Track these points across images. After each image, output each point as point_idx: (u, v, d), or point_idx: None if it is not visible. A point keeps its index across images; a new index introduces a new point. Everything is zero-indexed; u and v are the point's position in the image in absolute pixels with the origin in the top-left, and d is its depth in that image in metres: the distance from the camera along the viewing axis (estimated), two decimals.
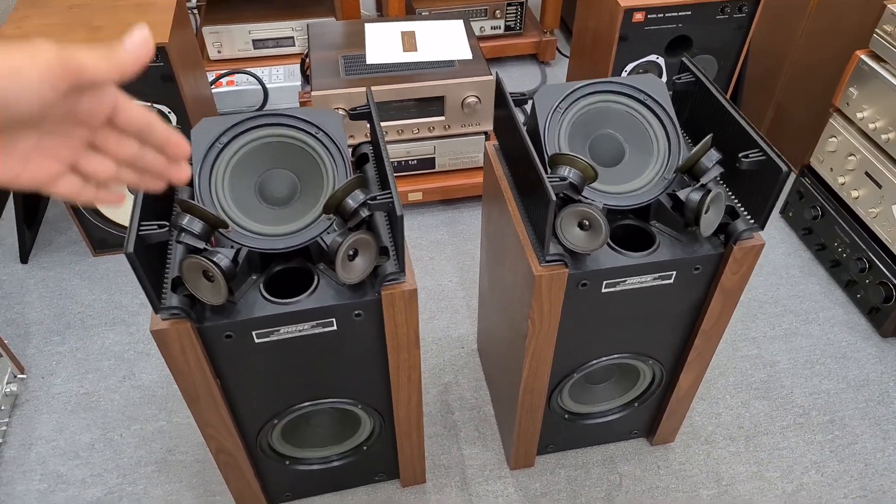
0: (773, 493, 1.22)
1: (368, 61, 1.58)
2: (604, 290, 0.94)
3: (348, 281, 0.84)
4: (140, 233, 0.76)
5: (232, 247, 0.84)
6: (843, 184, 1.51)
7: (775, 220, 1.75)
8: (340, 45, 1.64)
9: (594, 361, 1.06)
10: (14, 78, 0.35)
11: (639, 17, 1.45)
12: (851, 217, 1.50)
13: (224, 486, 1.23)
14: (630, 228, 0.97)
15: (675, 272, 0.94)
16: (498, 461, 1.27)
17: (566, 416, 1.18)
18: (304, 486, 1.19)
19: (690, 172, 0.91)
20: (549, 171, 0.89)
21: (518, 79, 2.24)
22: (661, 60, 1.55)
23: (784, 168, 0.82)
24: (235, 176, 0.89)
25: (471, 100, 1.56)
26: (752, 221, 0.90)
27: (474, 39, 1.67)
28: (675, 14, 1.47)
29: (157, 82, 1.37)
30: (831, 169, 1.53)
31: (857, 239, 1.48)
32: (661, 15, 1.47)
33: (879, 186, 1.40)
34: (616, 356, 1.07)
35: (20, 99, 0.35)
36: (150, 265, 0.80)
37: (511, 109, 0.95)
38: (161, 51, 1.33)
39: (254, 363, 0.90)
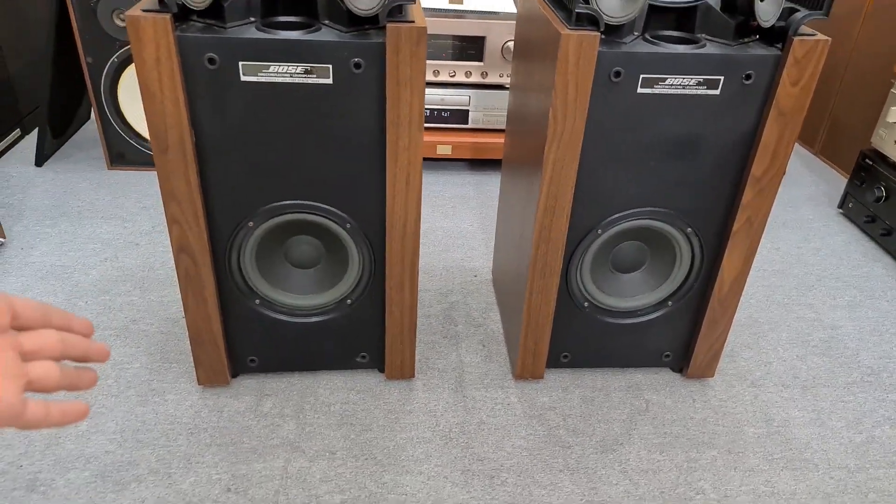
0: (836, 441, 0.98)
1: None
2: (640, 90, 0.82)
3: (355, 4, 0.75)
4: None
5: None
6: None
7: (832, 214, 1.60)
8: None
9: (622, 213, 0.92)
10: None
11: None
12: None
13: (183, 356, 1.07)
14: (675, 40, 0.87)
15: (722, 77, 0.82)
16: (502, 372, 1.08)
17: (587, 304, 1.00)
18: (274, 352, 1.01)
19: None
20: None
21: None
22: None
23: None
24: None
25: (510, 44, 1.53)
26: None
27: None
28: None
29: None
30: (895, 142, 1.41)
31: None
32: None
33: None
34: (648, 210, 0.92)
35: None
36: None
37: None
38: None
39: (237, 114, 0.80)
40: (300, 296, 0.97)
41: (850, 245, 1.48)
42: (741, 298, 1.28)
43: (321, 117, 0.81)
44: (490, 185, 1.67)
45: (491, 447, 0.95)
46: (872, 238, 1.49)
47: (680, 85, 0.82)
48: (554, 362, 1.07)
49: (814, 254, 1.44)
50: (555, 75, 0.79)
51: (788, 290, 1.32)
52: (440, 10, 1.57)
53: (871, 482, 0.92)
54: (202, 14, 0.78)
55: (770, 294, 1.30)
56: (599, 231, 0.93)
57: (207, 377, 1.00)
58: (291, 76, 0.78)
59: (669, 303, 1.02)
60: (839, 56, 1.78)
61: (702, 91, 0.83)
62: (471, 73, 1.58)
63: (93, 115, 1.71)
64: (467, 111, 1.63)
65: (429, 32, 1.52)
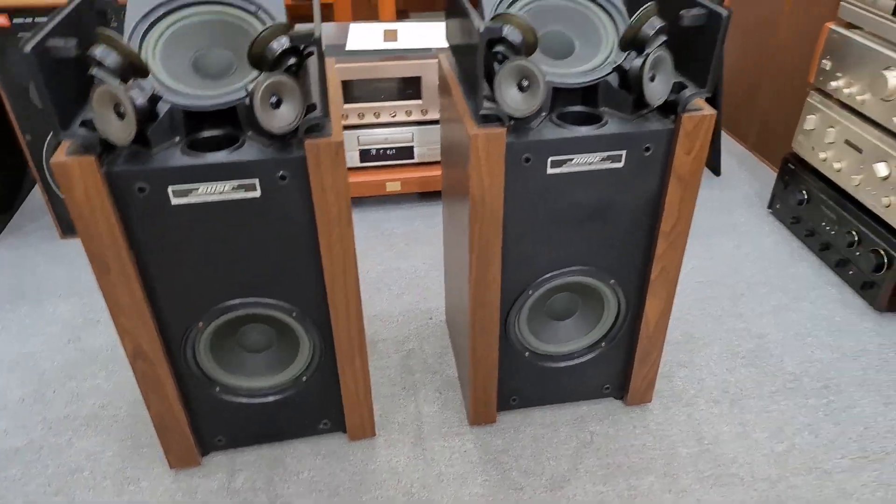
0: (760, 453, 1.08)
1: (347, 48, 1.62)
2: (550, 171, 0.89)
3: (270, 126, 0.80)
4: (46, 42, 0.73)
5: (153, 95, 0.82)
6: (825, 160, 1.46)
7: (763, 215, 1.69)
8: (326, 39, 1.69)
9: (549, 274, 0.99)
10: None
11: None
12: (837, 192, 1.44)
13: (154, 439, 1.12)
14: (580, 116, 0.93)
15: (624, 152, 0.89)
16: (458, 419, 1.16)
17: (527, 353, 1.08)
18: (239, 430, 1.07)
19: (635, 45, 0.88)
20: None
21: None
22: None
23: (724, 13, 0.80)
24: (169, 48, 0.88)
25: None
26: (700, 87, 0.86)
27: None
28: None
29: None
30: (813, 148, 1.50)
31: (844, 213, 1.41)
32: None
33: (860, 151, 1.35)
34: (573, 269, 0.99)
35: None
36: (64, 90, 0.77)
37: None
38: None
39: (172, 234, 0.85)
40: (257, 378, 1.03)
41: (778, 246, 1.57)
42: (678, 315, 1.37)
43: (254, 225, 0.86)
44: (441, 217, 1.73)
45: (450, 499, 1.02)
46: (798, 238, 1.58)
47: (586, 163, 0.89)
48: (504, 405, 1.15)
49: (745, 259, 1.53)
50: (469, 168, 0.86)
51: (721, 301, 1.41)
52: (375, 51, 1.61)
53: (790, 490, 1.02)
54: None
55: (704, 307, 1.39)
56: (531, 291, 1.00)
57: (178, 461, 1.06)
58: (221, 194, 0.83)
59: (602, 344, 1.09)
60: (764, 54, 1.86)
61: (607, 165, 0.90)
62: (411, 111, 1.63)
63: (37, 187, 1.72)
64: (412, 147, 1.68)
65: (365, 77, 1.56)
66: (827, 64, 1.42)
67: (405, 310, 1.41)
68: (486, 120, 0.84)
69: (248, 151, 0.83)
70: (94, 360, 1.29)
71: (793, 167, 1.57)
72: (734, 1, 1.94)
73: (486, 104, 0.84)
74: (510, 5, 0.96)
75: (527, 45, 0.86)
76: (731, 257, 1.54)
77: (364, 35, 1.69)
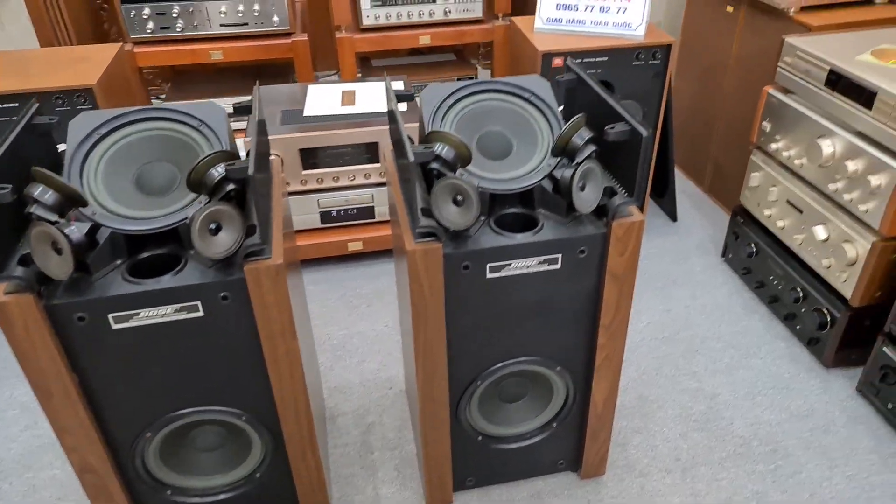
0: None
1: (305, 114, 1.64)
2: (489, 276, 0.91)
3: (209, 254, 0.81)
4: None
5: (93, 226, 0.83)
6: (769, 216, 1.50)
7: (717, 263, 1.73)
8: (283, 102, 1.71)
9: (497, 366, 1.01)
10: None
11: (557, 61, 1.52)
12: (782, 249, 1.49)
13: None
14: (518, 218, 0.96)
15: (560, 255, 0.91)
16: (416, 500, 1.17)
17: (480, 437, 1.10)
18: None
19: (566, 154, 0.91)
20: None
21: None
22: None
23: (644, 133, 0.83)
24: (112, 166, 0.90)
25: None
26: (628, 196, 0.89)
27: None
28: (593, 59, 1.54)
29: None
30: (758, 204, 1.54)
31: (789, 270, 1.46)
32: (580, 60, 1.54)
33: (801, 212, 1.40)
34: (520, 360, 1.01)
35: None
36: (0, 230, 0.78)
37: (392, 100, 0.97)
38: (88, 91, 1.39)
39: (115, 356, 0.86)
40: (210, 477, 1.04)
41: (731, 297, 1.61)
42: (634, 377, 1.40)
43: (198, 343, 0.88)
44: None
45: None
46: (750, 288, 1.62)
47: (524, 266, 0.91)
48: (460, 485, 1.17)
49: (700, 311, 1.57)
50: (409, 281, 0.88)
51: (676, 360, 1.44)
52: (333, 116, 1.62)
53: None
54: None
55: (659, 366, 1.43)
56: (479, 382, 1.02)
57: None
58: (163, 316, 0.84)
59: (553, 424, 1.12)
60: (715, 100, 1.90)
61: (544, 268, 0.92)
62: (370, 174, 1.65)
63: None
64: (373, 207, 1.70)
65: (323, 145, 1.58)
66: (767, 126, 1.47)
67: (366, 379, 1.43)
68: (423, 235, 0.86)
69: (190, 274, 0.84)
70: (52, 446, 1.29)
71: (742, 220, 1.61)
72: (686, 40, 1.98)
73: (423, 221, 0.86)
74: (451, 106, 0.99)
75: (461, 160, 0.88)
76: (686, 310, 1.58)
77: (322, 97, 1.71)
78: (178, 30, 1.93)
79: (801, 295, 1.42)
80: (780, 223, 1.46)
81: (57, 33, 1.98)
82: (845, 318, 1.31)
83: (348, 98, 1.70)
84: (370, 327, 1.56)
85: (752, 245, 1.58)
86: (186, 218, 0.85)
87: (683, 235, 1.85)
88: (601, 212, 0.92)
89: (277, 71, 2.26)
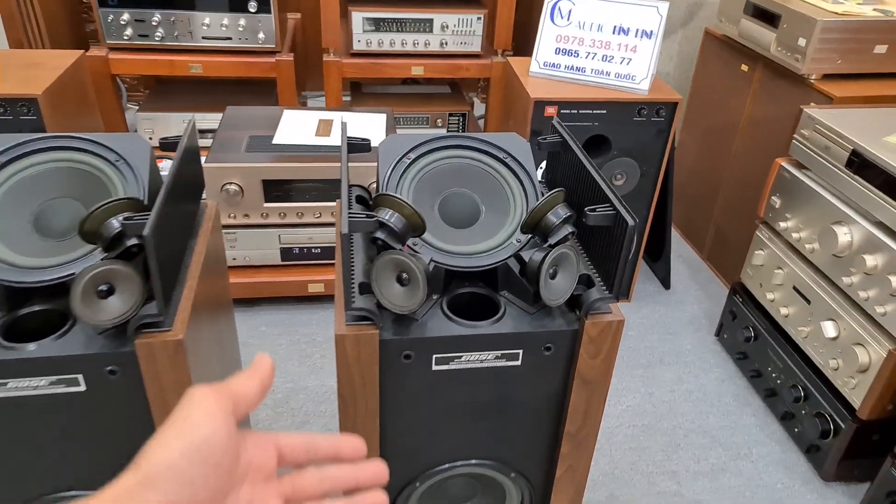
0: None
1: (274, 141, 1.51)
2: (435, 368, 0.77)
3: (94, 321, 0.67)
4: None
5: None
6: (772, 300, 1.36)
7: (710, 343, 1.58)
8: (254, 125, 1.58)
9: (441, 467, 0.86)
10: (199, 427, 0.36)
11: (551, 110, 1.39)
12: (784, 339, 1.34)
13: None
14: (477, 299, 0.81)
15: (521, 351, 0.77)
16: None
17: None
18: None
19: (538, 232, 0.77)
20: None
21: None
22: None
23: (630, 222, 0.69)
24: (8, 199, 0.76)
25: (373, 185, 1.47)
26: (607, 291, 0.74)
27: (393, 131, 1.61)
28: (590, 111, 1.41)
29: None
30: (761, 285, 1.40)
31: (790, 363, 1.31)
32: (575, 111, 1.41)
33: (808, 302, 1.25)
34: (469, 463, 0.86)
35: (215, 447, 0.36)
36: None
37: (343, 150, 0.83)
38: (32, 102, 1.26)
39: None
40: None
41: (723, 384, 1.46)
42: (606, 470, 1.25)
43: (77, 420, 0.73)
44: None
45: None
46: (745, 375, 1.48)
47: (478, 360, 0.77)
48: None
49: (686, 398, 1.42)
50: (336, 367, 0.73)
51: (654, 454, 1.29)
52: (303, 146, 1.49)
53: None
54: None
55: (636, 461, 1.27)
56: (418, 483, 0.87)
57: None
58: (35, 389, 0.70)
59: None
60: (722, 161, 1.77)
61: (502, 363, 0.78)
62: (336, 213, 1.51)
63: None
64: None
65: (288, 178, 1.44)
66: (776, 201, 1.33)
67: None
68: (357, 318, 0.72)
69: (73, 340, 0.70)
70: None
71: (741, 299, 1.47)
72: (695, 95, 1.86)
73: (358, 302, 0.71)
74: (413, 162, 0.85)
75: (413, 229, 0.74)
76: (671, 395, 1.43)
77: (296, 124, 1.58)
78: (157, 39, 1.81)
79: (802, 394, 1.27)
80: (783, 310, 1.32)
81: (28, 34, 1.86)
82: (851, 429, 1.16)
83: (324, 128, 1.57)
84: (320, 383, 1.41)
85: (751, 329, 1.43)
86: (70, 275, 0.71)
87: (676, 306, 1.70)
88: (574, 302, 0.77)
89: (266, 89, 2.14)
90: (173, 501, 0.34)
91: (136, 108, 2.10)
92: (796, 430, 1.31)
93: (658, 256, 1.78)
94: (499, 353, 0.77)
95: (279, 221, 1.50)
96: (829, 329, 1.19)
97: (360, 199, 0.92)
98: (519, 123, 1.47)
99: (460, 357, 0.76)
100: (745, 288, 1.46)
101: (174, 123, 2.00)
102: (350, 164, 1.36)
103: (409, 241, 0.78)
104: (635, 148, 1.48)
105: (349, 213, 0.70)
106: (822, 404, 1.22)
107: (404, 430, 0.82)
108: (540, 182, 0.99)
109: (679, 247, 1.95)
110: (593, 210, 0.73)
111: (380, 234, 0.73)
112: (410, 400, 0.79)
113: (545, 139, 0.90)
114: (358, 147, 0.89)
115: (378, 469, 0.43)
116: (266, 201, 1.46)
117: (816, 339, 1.23)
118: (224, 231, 1.50)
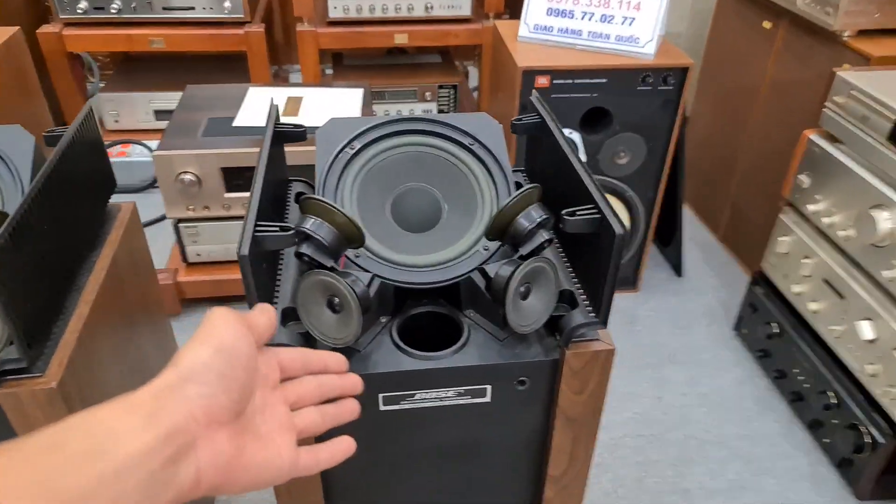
0: None
1: (234, 123, 1.35)
2: (384, 408, 0.62)
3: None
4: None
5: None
6: (798, 294, 1.20)
7: (728, 338, 1.42)
8: (215, 107, 1.42)
9: None
10: (226, 336, 0.40)
11: (543, 81, 1.22)
12: (813, 337, 1.18)
13: None
14: (436, 321, 0.66)
15: (489, 386, 0.62)
16: None
17: None
18: None
19: (507, 239, 0.61)
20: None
21: None
22: (576, 136, 1.31)
23: (618, 230, 0.53)
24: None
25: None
26: (594, 315, 0.59)
27: (368, 108, 1.45)
28: (588, 81, 1.24)
29: None
30: (785, 275, 1.23)
31: (820, 366, 1.15)
32: (571, 81, 1.23)
33: (841, 297, 1.09)
34: None
35: (241, 350, 0.41)
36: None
37: (266, 138, 0.68)
38: None
39: None
40: None
41: (742, 386, 1.31)
42: (608, 489, 1.10)
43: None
44: None
45: None
46: (767, 376, 1.32)
47: (436, 399, 0.62)
48: None
49: (701, 402, 1.27)
50: None
51: (664, 469, 1.14)
52: (263, 128, 1.33)
53: None
54: None
55: (642, 477, 1.13)
56: None
57: None
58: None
59: None
60: (738, 138, 1.59)
61: (467, 401, 0.63)
62: None
63: None
64: None
65: (248, 165, 1.29)
66: (805, 180, 1.16)
67: None
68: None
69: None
70: None
71: (762, 290, 1.31)
72: (710, 57, 1.67)
73: (277, 336, 0.57)
74: (358, 152, 0.69)
75: (348, 240, 0.59)
76: (683, 399, 1.28)
77: (262, 103, 1.42)
78: (113, 11, 1.65)
79: (833, 401, 1.11)
80: (812, 305, 1.16)
81: None
82: (891, 445, 1.00)
83: (292, 107, 1.41)
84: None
85: (775, 325, 1.27)
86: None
87: (689, 296, 1.54)
88: (555, 325, 0.62)
89: (242, 64, 1.97)
90: (212, 393, 0.38)
91: (96, 86, 1.95)
92: (826, 440, 1.15)
93: (669, 241, 1.62)
94: (461, 389, 0.62)
95: (243, 213, 1.35)
96: (866, 330, 1.02)
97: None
98: (507, 97, 1.30)
99: (413, 395, 0.62)
100: (766, 278, 1.30)
101: (140, 106, 1.85)
102: (299, 148, 1.20)
103: (351, 253, 0.63)
104: (640, 121, 1.30)
105: (257, 226, 0.55)
106: (857, 415, 1.06)
107: (355, 476, 0.68)
108: (524, 176, 0.83)
109: (692, 228, 1.77)
110: (572, 214, 0.57)
111: (305, 249, 0.57)
112: (362, 438, 0.64)
113: (520, 120, 0.74)
114: (290, 135, 0.73)
115: (356, 380, 0.51)
116: (227, 191, 1.32)
117: (851, 340, 1.07)
118: (184, 225, 1.36)
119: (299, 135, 0.73)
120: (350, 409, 0.50)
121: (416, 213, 0.69)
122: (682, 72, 1.25)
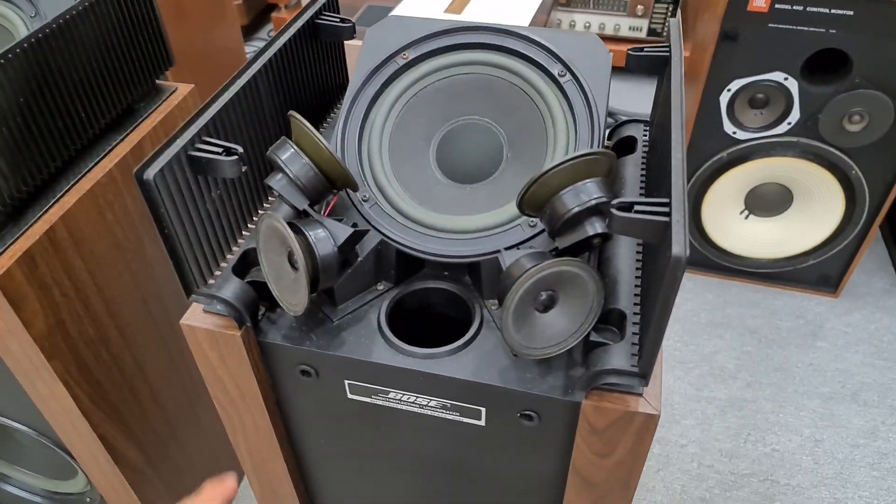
0: None
1: (393, 13, 1.23)
2: (351, 396, 0.49)
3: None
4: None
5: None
6: None
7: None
8: None
9: None
10: None
11: (759, 3, 0.91)
12: None
13: None
14: (445, 300, 0.51)
15: (484, 409, 0.46)
16: None
17: None
18: None
19: (545, 219, 0.43)
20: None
21: (636, 100, 1.71)
22: (792, 84, 0.98)
23: (677, 251, 0.32)
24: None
25: None
26: (638, 355, 0.39)
27: (544, 14, 1.23)
28: (825, 11, 0.90)
29: None
30: None
31: None
32: (801, 8, 0.91)
33: None
34: None
35: None
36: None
37: (293, 28, 0.55)
38: None
39: None
40: None
41: None
42: None
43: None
44: None
45: None
46: None
47: (414, 403, 0.48)
48: None
49: (874, 464, 0.96)
50: (200, 366, 0.50)
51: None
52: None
53: None
54: None
55: None
56: None
57: None
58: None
59: None
60: None
61: (454, 417, 0.48)
62: None
63: None
64: None
65: None
66: None
67: None
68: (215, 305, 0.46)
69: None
70: None
71: None
72: None
73: (219, 283, 0.46)
74: (406, 66, 0.54)
75: (328, 179, 0.45)
76: (852, 451, 0.97)
77: (421, 3, 1.27)
78: None
79: None
80: None
81: None
82: None
83: (458, 3, 1.25)
84: None
85: None
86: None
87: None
88: (588, 352, 0.43)
89: None
90: None
91: None
92: None
93: None
94: (446, 402, 0.47)
95: None
96: None
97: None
98: (710, 20, 1.01)
99: (387, 393, 0.48)
100: None
101: None
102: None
103: (359, 195, 0.49)
104: (890, 73, 0.93)
105: (201, 140, 0.43)
106: None
107: (330, 468, 0.57)
108: (644, 133, 0.60)
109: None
110: (627, 207, 0.36)
111: (274, 183, 0.45)
112: (327, 430, 0.54)
113: (639, 50, 0.51)
114: (329, 30, 0.58)
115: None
116: None
117: None
118: None
119: (343, 31, 0.58)
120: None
121: (467, 158, 0.53)
122: None
